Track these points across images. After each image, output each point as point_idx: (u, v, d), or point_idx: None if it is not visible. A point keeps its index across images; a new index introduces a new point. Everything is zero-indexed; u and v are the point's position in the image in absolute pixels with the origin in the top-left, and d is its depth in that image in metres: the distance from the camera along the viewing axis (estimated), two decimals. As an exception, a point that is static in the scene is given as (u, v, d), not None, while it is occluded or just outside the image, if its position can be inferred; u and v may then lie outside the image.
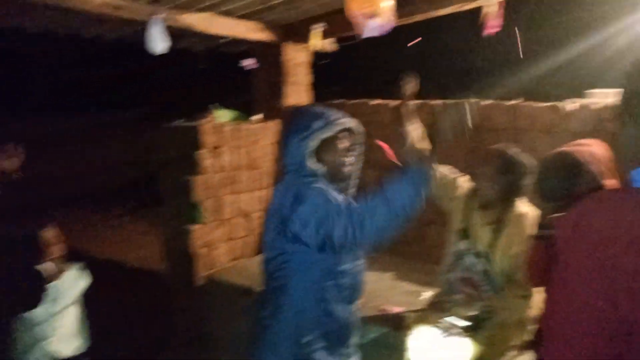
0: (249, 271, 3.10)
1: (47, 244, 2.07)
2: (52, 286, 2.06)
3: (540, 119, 3.02)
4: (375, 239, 1.61)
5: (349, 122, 1.77)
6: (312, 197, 1.62)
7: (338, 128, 1.73)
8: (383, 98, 3.76)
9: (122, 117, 10.09)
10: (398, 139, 2.30)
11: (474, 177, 2.20)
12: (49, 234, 2.09)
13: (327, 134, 1.71)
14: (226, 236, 3.41)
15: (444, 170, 2.34)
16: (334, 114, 1.75)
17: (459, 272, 2.24)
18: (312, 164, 1.71)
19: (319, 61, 4.40)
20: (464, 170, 2.36)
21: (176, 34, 3.03)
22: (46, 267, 2.05)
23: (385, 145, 2.46)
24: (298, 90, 4.28)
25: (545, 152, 1.80)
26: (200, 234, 3.19)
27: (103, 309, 2.29)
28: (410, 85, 2.28)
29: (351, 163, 1.79)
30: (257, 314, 1.79)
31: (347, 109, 3.64)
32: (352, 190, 1.84)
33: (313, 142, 1.70)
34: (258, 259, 3.38)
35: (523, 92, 3.60)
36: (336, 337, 1.77)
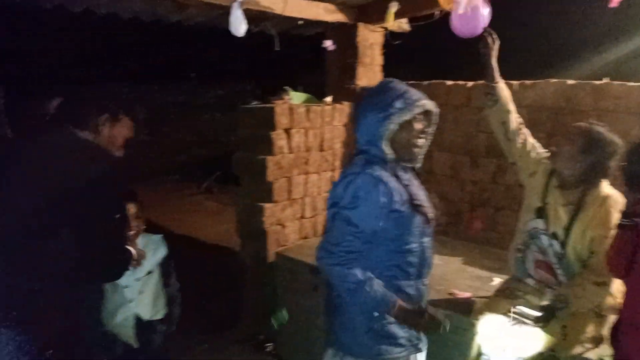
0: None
1: (132, 217, 2.24)
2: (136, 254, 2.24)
3: (627, 99, 2.81)
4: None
5: (428, 104, 1.73)
6: (358, 206, 1.66)
7: (418, 110, 1.70)
8: (457, 79, 3.65)
9: (204, 97, 10.52)
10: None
11: (555, 155, 2.09)
12: (134, 207, 2.26)
13: (406, 116, 1.69)
14: (296, 215, 3.51)
15: (532, 141, 2.23)
16: (414, 93, 1.73)
17: (532, 253, 2.16)
18: (385, 147, 1.70)
19: (393, 41, 4.34)
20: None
21: (252, 17, 3.12)
22: (131, 238, 2.23)
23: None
24: (371, 72, 4.26)
25: (633, 135, 1.68)
26: (272, 213, 3.31)
27: (180, 281, 2.44)
28: (492, 37, 2.16)
29: (422, 145, 1.76)
30: (329, 291, 1.84)
31: (421, 90, 3.60)
32: (418, 166, 1.82)
33: (392, 125, 1.68)
34: (326, 238, 3.48)
35: (609, 71, 3.35)
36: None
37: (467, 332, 2.15)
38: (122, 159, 1.89)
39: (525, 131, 2.24)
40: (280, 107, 3.33)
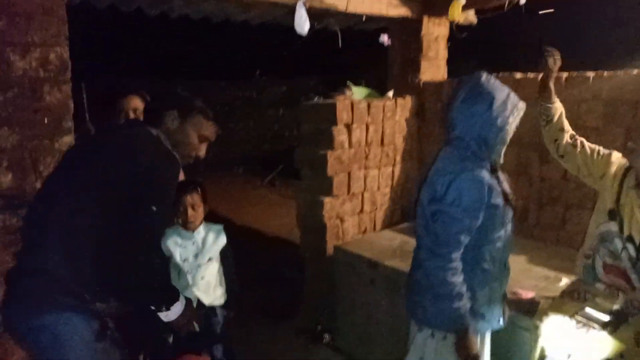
0: (376, 244, 3.18)
1: (194, 205, 2.34)
2: (198, 242, 2.35)
3: None
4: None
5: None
6: (460, 203, 1.77)
7: (521, 113, 1.87)
8: (523, 72, 3.50)
9: (270, 93, 10.77)
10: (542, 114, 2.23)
11: (633, 152, 1.96)
12: (196, 196, 2.36)
13: (515, 119, 1.85)
14: (355, 210, 3.52)
15: (590, 145, 2.15)
16: (513, 95, 1.88)
17: (603, 257, 2.04)
18: (491, 147, 1.83)
19: (459, 34, 4.23)
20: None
21: (316, 14, 3.16)
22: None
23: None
24: (435, 66, 4.18)
25: None
26: (331, 207, 3.34)
27: (240, 271, 2.52)
28: (553, 58, 2.13)
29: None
30: (417, 272, 1.97)
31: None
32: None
33: (514, 122, 1.84)
34: (385, 233, 3.47)
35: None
36: (493, 291, 1.93)
37: (529, 334, 2.08)
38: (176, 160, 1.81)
39: (580, 139, 2.19)
40: (341, 103, 3.35)
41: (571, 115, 3.13)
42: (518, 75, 3.46)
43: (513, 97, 1.87)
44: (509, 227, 1.92)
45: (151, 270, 1.65)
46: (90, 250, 1.55)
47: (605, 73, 3.04)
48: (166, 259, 2.32)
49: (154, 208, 1.59)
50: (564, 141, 2.18)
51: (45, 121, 2.15)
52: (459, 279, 1.79)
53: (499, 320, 1.99)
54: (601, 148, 2.15)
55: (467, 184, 1.77)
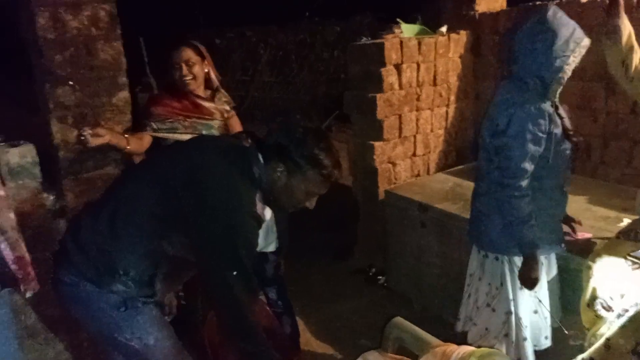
0: (427, 188, 3.16)
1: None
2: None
3: None
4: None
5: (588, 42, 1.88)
6: (522, 136, 1.86)
7: (583, 51, 1.87)
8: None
9: (323, 35, 10.54)
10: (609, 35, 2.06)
11: None
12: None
13: (577, 57, 1.86)
14: (407, 153, 3.48)
15: None
16: (579, 32, 1.85)
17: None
18: (555, 84, 1.86)
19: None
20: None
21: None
22: None
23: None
24: (492, -5, 3.91)
25: None
26: (383, 151, 3.33)
27: (295, 215, 2.57)
28: None
29: None
30: (475, 208, 2.16)
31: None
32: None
33: (576, 61, 1.85)
34: (438, 177, 3.43)
35: None
36: (554, 217, 2.08)
37: (583, 274, 2.03)
38: None
39: None
40: (390, 42, 3.25)
41: (643, 41, 2.89)
42: (583, 0, 3.18)
43: (577, 33, 1.84)
44: (568, 156, 2.01)
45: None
46: (136, 240, 1.55)
47: None
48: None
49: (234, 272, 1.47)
50: (635, 62, 2.00)
51: (101, 78, 2.26)
52: (528, 206, 1.91)
53: (560, 245, 2.11)
54: None
55: (528, 114, 1.85)
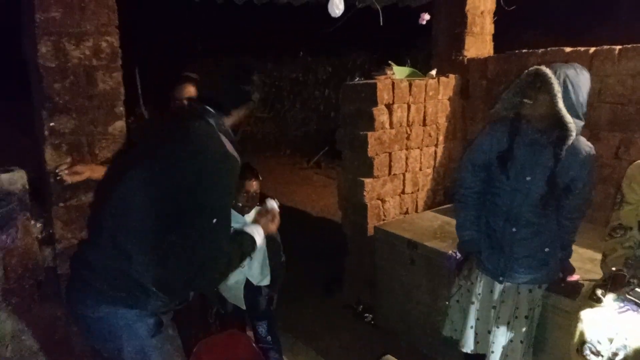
0: (416, 225, 3.18)
1: (251, 191, 2.37)
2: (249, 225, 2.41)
3: None
4: None
5: None
6: None
7: None
8: (577, 45, 3.34)
9: (316, 73, 10.74)
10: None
11: None
12: (256, 184, 2.39)
13: None
14: (396, 191, 3.52)
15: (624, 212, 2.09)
16: None
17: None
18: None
19: (507, 7, 4.09)
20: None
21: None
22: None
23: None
24: (480, 41, 4.06)
25: None
26: (373, 187, 3.36)
27: (286, 249, 2.58)
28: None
29: None
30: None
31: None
32: None
33: None
34: (426, 214, 3.46)
35: None
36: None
37: (571, 316, 2.04)
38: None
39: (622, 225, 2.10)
40: (382, 83, 3.34)
41: (625, 90, 3.01)
42: (567, 49, 3.32)
43: None
44: (501, 181, 2.13)
45: (220, 270, 1.65)
46: (143, 251, 1.53)
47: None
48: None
49: (215, 220, 1.53)
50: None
51: (99, 107, 2.28)
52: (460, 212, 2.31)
53: (499, 279, 2.18)
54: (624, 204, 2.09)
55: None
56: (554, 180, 2.03)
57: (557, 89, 1.90)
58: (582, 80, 1.97)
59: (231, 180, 1.61)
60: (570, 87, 1.92)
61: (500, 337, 2.18)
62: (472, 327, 2.25)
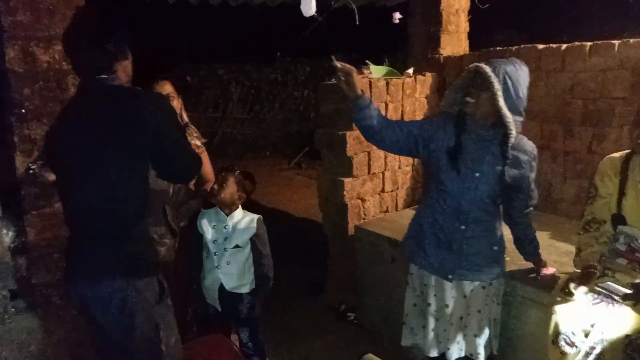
0: (396, 223, 3.20)
1: (223, 183, 2.37)
2: (230, 226, 2.40)
3: None
4: None
5: None
6: None
7: None
8: (548, 42, 3.40)
9: (295, 75, 10.73)
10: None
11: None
12: (231, 177, 2.39)
13: None
14: (376, 190, 3.53)
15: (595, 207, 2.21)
16: None
17: (622, 242, 2.03)
18: None
19: (482, 5, 4.14)
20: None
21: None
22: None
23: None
24: (456, 39, 4.11)
25: None
26: (352, 187, 3.37)
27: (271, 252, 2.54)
28: None
29: None
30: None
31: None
32: None
33: None
34: (406, 212, 3.48)
35: None
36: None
37: (547, 309, 2.07)
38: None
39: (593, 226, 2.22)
40: (359, 82, 3.33)
41: (596, 85, 3.07)
42: (540, 46, 3.37)
43: None
44: (450, 178, 2.08)
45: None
46: (132, 209, 1.66)
47: (632, 40, 2.94)
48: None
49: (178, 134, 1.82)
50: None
51: (71, 112, 2.23)
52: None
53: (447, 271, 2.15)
54: (596, 198, 2.22)
55: None
56: (502, 178, 2.02)
57: (497, 87, 1.88)
58: (521, 75, 1.94)
59: (169, 107, 1.84)
60: (510, 83, 1.89)
61: (455, 333, 2.17)
62: (432, 329, 2.21)
